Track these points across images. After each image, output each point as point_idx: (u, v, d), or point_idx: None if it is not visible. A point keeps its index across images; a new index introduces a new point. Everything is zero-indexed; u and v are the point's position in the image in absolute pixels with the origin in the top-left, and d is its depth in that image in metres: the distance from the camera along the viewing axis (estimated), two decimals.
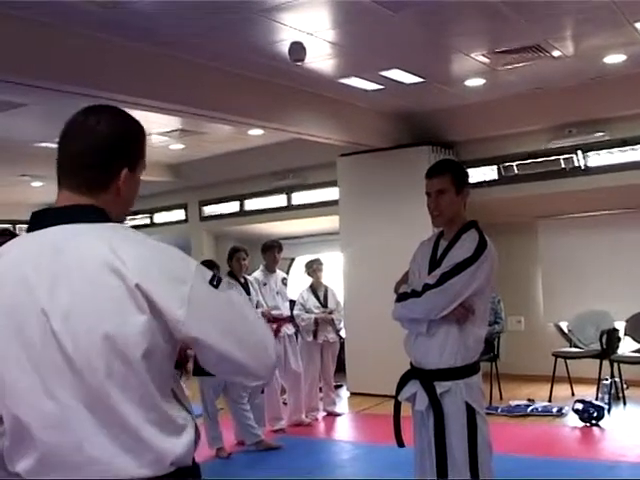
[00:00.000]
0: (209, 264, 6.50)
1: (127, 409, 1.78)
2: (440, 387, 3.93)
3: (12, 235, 6.27)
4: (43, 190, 14.88)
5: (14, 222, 14.81)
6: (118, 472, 1.78)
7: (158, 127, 9.78)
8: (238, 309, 1.94)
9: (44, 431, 1.79)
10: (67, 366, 1.77)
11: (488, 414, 8.66)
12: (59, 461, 1.80)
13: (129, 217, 15.18)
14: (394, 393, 4.25)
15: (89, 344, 1.76)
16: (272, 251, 8.55)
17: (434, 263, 4.06)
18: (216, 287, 1.89)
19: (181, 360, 13.57)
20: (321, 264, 9.39)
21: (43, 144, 10.32)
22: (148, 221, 15.14)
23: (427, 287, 3.93)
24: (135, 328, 1.77)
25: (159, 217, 15.00)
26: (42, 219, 1.94)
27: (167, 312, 1.79)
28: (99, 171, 1.94)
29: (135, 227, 15.01)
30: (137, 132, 2.05)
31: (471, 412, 3.89)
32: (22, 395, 1.81)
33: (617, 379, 8.91)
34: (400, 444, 4.25)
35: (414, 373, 4.11)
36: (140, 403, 1.80)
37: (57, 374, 1.78)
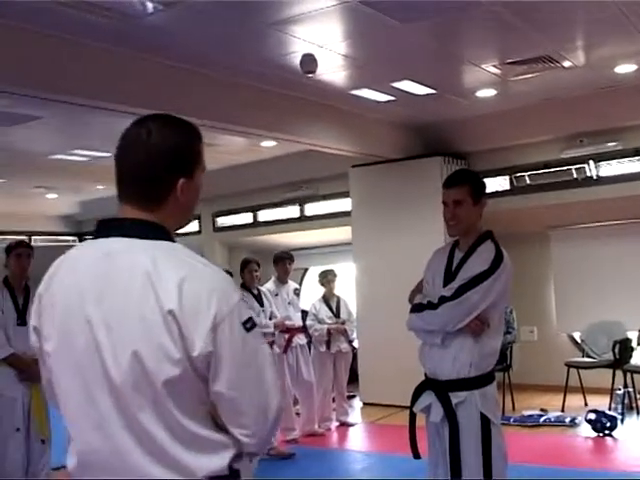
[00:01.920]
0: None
1: (153, 426, 1.82)
2: (455, 398, 3.93)
3: (28, 247, 6.32)
4: (58, 202, 15.01)
5: (29, 233, 14.91)
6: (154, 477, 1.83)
7: None
8: (259, 363, 1.92)
9: (85, 433, 1.87)
10: (105, 375, 1.83)
11: (501, 424, 8.66)
12: (98, 464, 1.87)
13: None
14: (407, 403, 4.25)
15: (122, 358, 1.80)
16: (283, 262, 8.60)
17: (449, 274, 4.06)
18: (248, 331, 1.88)
19: None
20: (335, 275, 9.43)
21: (58, 156, 10.41)
22: None
23: (444, 299, 3.94)
24: (161, 353, 1.79)
25: None
26: (104, 228, 1.98)
27: (192, 345, 1.79)
28: (155, 184, 1.94)
29: None
30: (190, 138, 2.03)
31: (486, 422, 3.89)
32: (68, 396, 1.91)
33: (630, 389, 8.88)
34: (416, 455, 4.24)
35: (429, 384, 4.11)
36: (165, 423, 1.82)
37: (98, 381, 1.84)
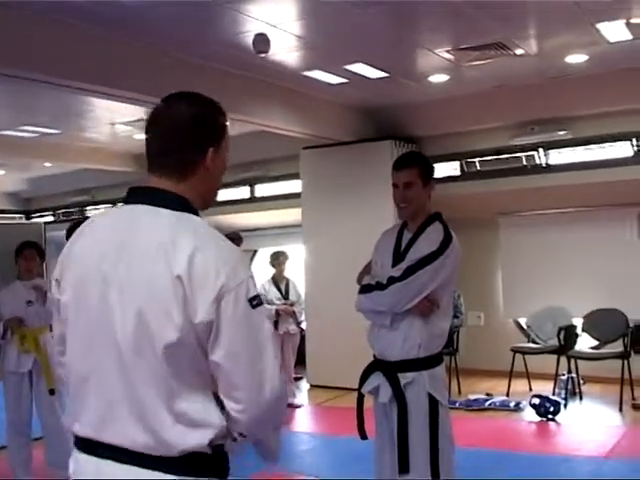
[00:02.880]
0: None
1: (145, 391, 1.91)
2: (404, 378, 3.93)
3: None
4: (4, 178, 14.77)
5: None
6: (134, 441, 1.92)
7: (122, 116, 9.70)
8: (260, 341, 1.96)
9: (85, 384, 2.00)
10: (111, 333, 1.93)
11: None
12: (92, 420, 1.99)
13: (91, 207, 15.12)
14: (354, 386, 4.25)
15: (128, 318, 1.91)
16: (232, 243, 8.55)
17: (398, 254, 4.07)
18: (253, 307, 1.94)
19: None
20: (286, 257, 9.44)
21: (5, 132, 10.22)
22: None
23: (392, 280, 3.93)
24: (165, 317, 1.88)
25: None
26: (132, 195, 2.10)
27: (194, 311, 1.87)
28: (184, 153, 2.06)
29: None
30: (213, 111, 2.14)
31: (434, 403, 3.89)
32: (74, 348, 2.06)
33: (574, 375, 9.02)
34: (363, 436, 4.24)
35: (377, 365, 4.11)
36: (158, 390, 1.91)
37: (103, 338, 1.95)
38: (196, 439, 1.92)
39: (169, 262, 1.88)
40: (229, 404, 1.96)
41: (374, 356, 4.17)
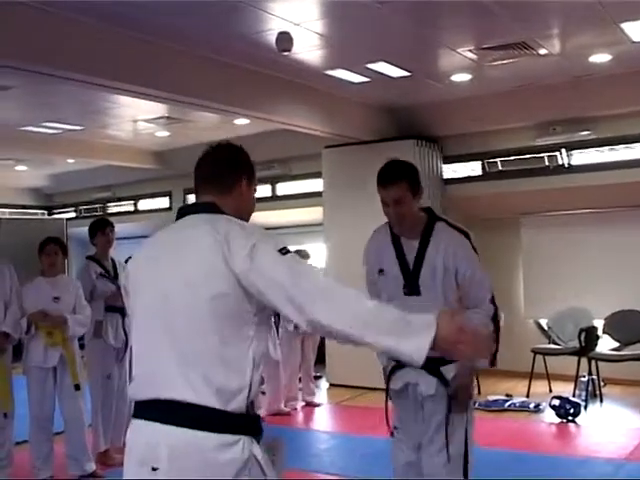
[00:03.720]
0: None
1: (195, 347, 2.31)
2: (447, 372, 3.79)
3: None
4: (27, 174, 14.86)
5: None
6: (183, 396, 2.28)
7: (144, 114, 9.76)
8: (296, 270, 2.33)
9: (141, 354, 2.49)
10: (163, 298, 2.39)
11: None
12: (146, 382, 2.40)
13: (112, 203, 15.20)
14: (373, 385, 4.18)
15: (178, 277, 2.37)
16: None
17: (405, 263, 3.94)
18: (283, 254, 2.34)
19: None
20: (308, 255, 9.43)
21: (28, 128, 10.29)
22: (132, 208, 15.12)
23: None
24: (211, 270, 2.31)
25: (143, 204, 14.97)
26: (182, 211, 2.64)
27: (234, 263, 2.28)
28: (224, 178, 2.62)
29: (119, 214, 14.89)
30: (246, 155, 2.73)
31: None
32: (135, 316, 2.53)
33: (594, 376, 8.96)
34: (391, 432, 4.09)
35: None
36: (205, 347, 2.30)
37: (156, 303, 2.41)
38: (237, 399, 2.30)
39: (212, 230, 2.37)
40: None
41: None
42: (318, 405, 9.41)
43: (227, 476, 2.25)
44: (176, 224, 2.58)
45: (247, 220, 2.61)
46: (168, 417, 2.28)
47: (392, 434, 4.10)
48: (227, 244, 2.30)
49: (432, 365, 3.69)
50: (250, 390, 2.34)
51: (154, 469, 2.27)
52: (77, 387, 6.07)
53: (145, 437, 2.33)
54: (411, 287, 3.90)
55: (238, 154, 2.72)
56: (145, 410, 2.35)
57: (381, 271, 4.08)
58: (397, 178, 3.90)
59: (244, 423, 2.34)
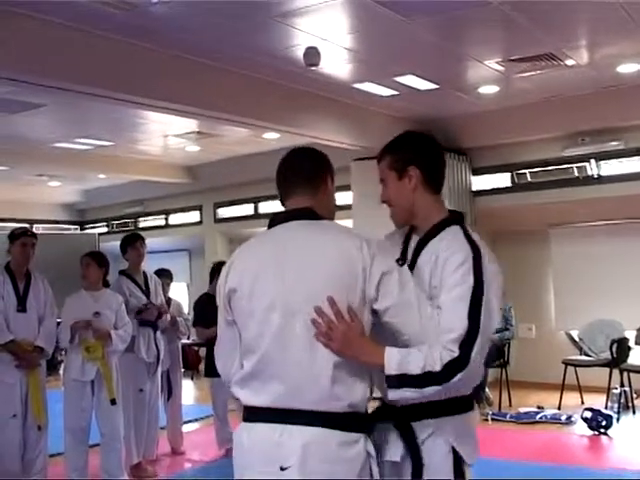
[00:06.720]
0: (223, 265, 6.55)
1: (319, 358, 2.45)
2: (421, 430, 2.69)
3: (33, 235, 6.31)
4: (60, 190, 15.04)
5: (31, 221, 14.92)
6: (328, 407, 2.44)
7: (175, 129, 9.85)
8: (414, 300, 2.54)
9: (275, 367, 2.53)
10: (307, 313, 2.47)
11: (497, 420, 8.70)
12: (272, 372, 2.49)
13: (143, 218, 15.32)
14: None
15: (303, 285, 2.51)
16: None
17: (403, 262, 2.86)
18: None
19: (193, 361, 13.58)
20: None
21: (61, 144, 10.44)
22: (163, 222, 15.20)
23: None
24: (342, 284, 2.50)
25: (174, 218, 15.04)
26: (278, 218, 2.72)
27: (370, 288, 2.50)
28: (312, 178, 2.76)
29: (150, 228, 14.99)
30: (326, 155, 2.89)
31: (458, 462, 2.69)
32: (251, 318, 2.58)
33: (627, 388, 8.90)
34: None
35: (385, 412, 2.75)
36: (337, 360, 2.44)
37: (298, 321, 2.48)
38: (357, 396, 2.46)
39: (358, 249, 2.62)
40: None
41: (381, 400, 2.77)
42: None
43: (353, 471, 2.40)
44: (282, 229, 2.67)
45: (332, 217, 2.82)
46: (299, 419, 2.42)
47: None
48: (370, 264, 2.55)
49: (403, 419, 2.71)
50: (371, 392, 2.53)
51: (283, 469, 2.38)
52: (113, 402, 6.13)
53: (274, 438, 2.43)
54: None
55: (318, 154, 2.85)
56: (274, 414, 2.46)
57: None
58: (382, 153, 3.07)
59: (364, 422, 2.52)
